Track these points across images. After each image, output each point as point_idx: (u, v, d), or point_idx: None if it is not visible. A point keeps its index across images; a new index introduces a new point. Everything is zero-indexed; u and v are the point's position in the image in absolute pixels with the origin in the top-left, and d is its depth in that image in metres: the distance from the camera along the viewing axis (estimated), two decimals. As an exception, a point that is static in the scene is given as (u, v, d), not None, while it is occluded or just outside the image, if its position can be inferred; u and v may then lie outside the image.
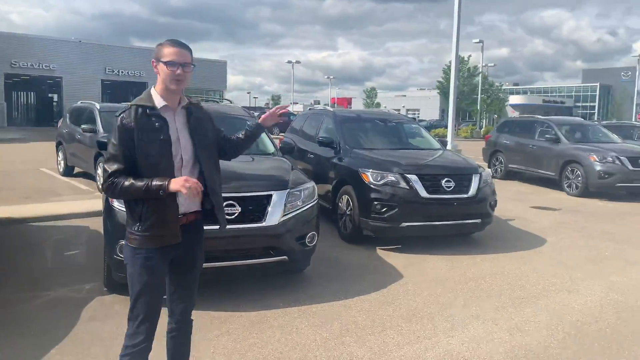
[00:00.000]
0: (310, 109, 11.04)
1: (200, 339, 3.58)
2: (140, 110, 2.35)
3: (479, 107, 47.91)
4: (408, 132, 8.30)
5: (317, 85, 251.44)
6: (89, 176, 10.41)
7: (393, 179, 6.11)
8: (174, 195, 2.31)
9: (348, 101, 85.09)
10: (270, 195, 4.39)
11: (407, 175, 6.10)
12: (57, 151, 11.88)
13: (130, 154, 2.30)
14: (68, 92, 35.06)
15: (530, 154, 12.56)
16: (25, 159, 14.43)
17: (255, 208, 4.31)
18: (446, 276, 5.24)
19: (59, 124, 12.52)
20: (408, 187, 6.05)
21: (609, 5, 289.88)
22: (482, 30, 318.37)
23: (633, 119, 48.86)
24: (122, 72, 38.06)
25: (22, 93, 44.23)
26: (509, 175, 13.27)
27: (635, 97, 49.37)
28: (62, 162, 11.52)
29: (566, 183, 11.29)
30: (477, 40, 44.46)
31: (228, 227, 4.06)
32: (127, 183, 2.27)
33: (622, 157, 10.69)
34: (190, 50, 2.43)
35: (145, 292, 2.37)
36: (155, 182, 2.25)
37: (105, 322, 3.85)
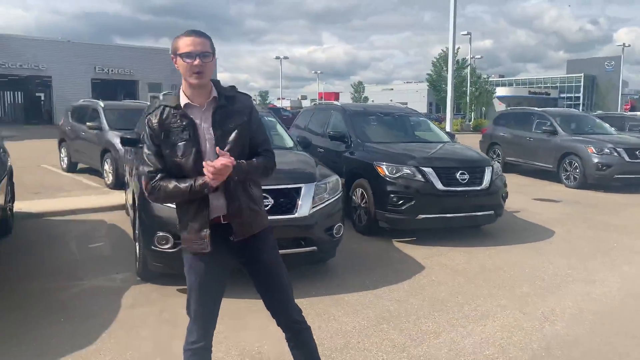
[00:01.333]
0: (314, 104, 11.11)
1: (244, 326, 3.67)
2: (166, 110, 2.23)
3: (468, 100, 48.28)
4: (416, 125, 8.43)
5: (303, 81, 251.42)
6: (93, 172, 10.40)
7: (409, 171, 6.22)
8: (206, 198, 2.19)
9: (335, 96, 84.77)
10: (300, 188, 4.48)
11: (423, 168, 6.21)
12: (60, 148, 11.89)
13: (162, 154, 2.22)
14: (58, 91, 34.78)
15: (528, 147, 12.71)
16: (24, 156, 14.25)
17: (286, 200, 4.39)
18: (465, 267, 5.36)
19: (61, 121, 12.47)
20: (424, 180, 6.16)
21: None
22: (466, 22, 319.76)
23: (618, 110, 49.51)
24: (111, 70, 37.72)
25: (8, 93, 43.76)
26: (507, 168, 13.39)
27: (620, 87, 50.00)
28: (66, 159, 11.53)
29: (564, 175, 11.48)
30: (465, 32, 44.81)
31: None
32: (170, 186, 2.17)
33: (619, 149, 10.89)
34: (208, 38, 2.21)
35: (192, 291, 2.31)
36: (200, 180, 2.13)
37: (147, 308, 3.96)
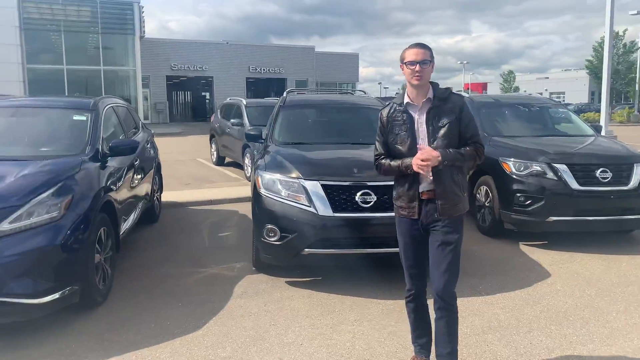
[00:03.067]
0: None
1: (340, 322, 3.74)
2: (394, 106, 2.83)
3: (637, 88, 42.15)
4: (554, 118, 7.66)
5: (449, 72, 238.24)
6: (238, 165, 11.36)
7: (538, 168, 5.69)
8: (417, 175, 2.71)
9: (483, 86, 79.83)
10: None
11: (555, 165, 5.64)
12: (211, 143, 13.18)
13: (386, 142, 2.85)
14: (218, 90, 38.36)
15: None
16: (184, 150, 16.15)
17: None
18: (601, 277, 4.76)
19: (212, 118, 13.82)
20: (556, 178, 5.59)
21: None
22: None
23: None
24: (263, 69, 40.44)
25: (180, 92, 49.45)
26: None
27: None
28: (215, 153, 12.77)
29: None
30: (635, 12, 38.86)
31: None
32: (386, 164, 2.84)
33: None
34: (428, 49, 2.71)
35: (401, 249, 2.90)
36: (406, 161, 2.71)
37: (254, 299, 4.20)
